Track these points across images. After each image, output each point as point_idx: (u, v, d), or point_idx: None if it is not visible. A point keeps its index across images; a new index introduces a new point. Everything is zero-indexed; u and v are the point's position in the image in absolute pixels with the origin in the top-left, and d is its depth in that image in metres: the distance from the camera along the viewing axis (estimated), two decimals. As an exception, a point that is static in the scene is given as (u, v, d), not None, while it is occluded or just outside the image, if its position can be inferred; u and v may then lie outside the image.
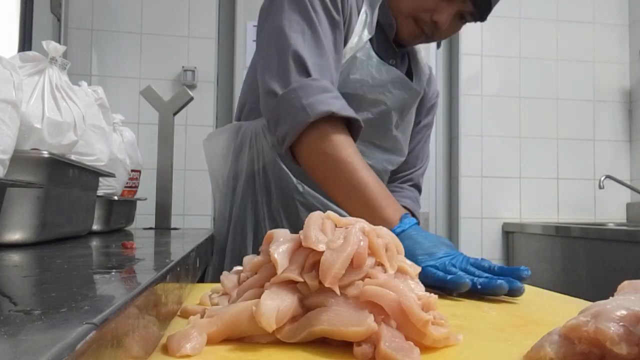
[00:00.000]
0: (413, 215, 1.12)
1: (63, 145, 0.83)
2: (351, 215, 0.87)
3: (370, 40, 1.02)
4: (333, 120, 0.85)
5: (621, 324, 0.34)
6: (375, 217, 0.80)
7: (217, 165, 1.15)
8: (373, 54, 1.01)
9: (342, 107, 0.85)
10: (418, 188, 1.21)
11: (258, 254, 0.52)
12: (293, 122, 0.84)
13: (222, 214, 1.13)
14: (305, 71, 0.87)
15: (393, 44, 1.06)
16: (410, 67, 1.13)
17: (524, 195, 2.50)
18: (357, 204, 0.84)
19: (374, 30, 1.01)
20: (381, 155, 1.08)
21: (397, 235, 0.74)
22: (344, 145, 0.84)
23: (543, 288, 0.80)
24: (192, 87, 2.21)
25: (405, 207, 1.09)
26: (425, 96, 1.18)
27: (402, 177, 1.19)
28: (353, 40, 0.99)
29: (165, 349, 0.40)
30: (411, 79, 1.11)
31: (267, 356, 0.40)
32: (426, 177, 1.28)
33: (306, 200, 1.02)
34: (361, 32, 1.00)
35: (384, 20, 1.03)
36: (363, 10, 1.01)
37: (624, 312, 0.34)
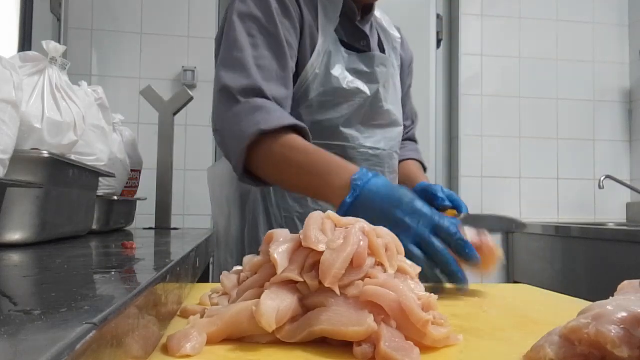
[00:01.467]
0: (421, 164, 1.26)
1: (63, 145, 0.83)
2: (307, 194, 0.92)
3: (338, 30, 1.03)
4: (270, 135, 0.85)
5: (622, 326, 0.34)
6: (323, 184, 0.80)
7: (221, 189, 1.17)
8: (340, 46, 1.02)
9: (271, 122, 0.85)
10: (415, 140, 1.34)
11: (258, 254, 0.52)
12: (234, 152, 0.88)
13: (232, 233, 1.14)
14: (233, 98, 0.89)
15: (358, 24, 1.07)
16: (380, 38, 1.15)
17: (524, 195, 2.50)
18: (305, 180, 0.84)
19: (337, 20, 1.02)
20: (380, 132, 1.08)
21: (351, 205, 0.74)
22: (284, 144, 0.85)
23: (543, 288, 0.80)
24: (192, 87, 2.21)
25: (413, 159, 1.24)
26: (403, 61, 1.22)
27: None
28: (320, 37, 1.00)
29: (165, 349, 0.40)
30: (383, 48, 1.14)
31: (267, 356, 0.40)
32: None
33: (321, 207, 1.02)
34: (325, 26, 1.00)
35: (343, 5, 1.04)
36: (320, 4, 1.01)
37: (624, 314, 0.34)
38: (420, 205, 0.71)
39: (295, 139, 0.86)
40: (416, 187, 0.95)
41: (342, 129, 1.02)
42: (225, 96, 0.91)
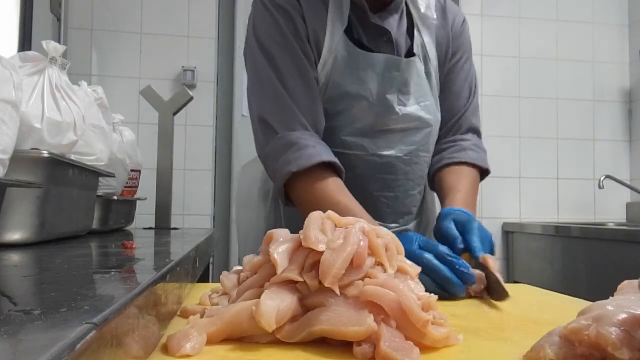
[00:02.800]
0: (480, 168, 1.05)
1: (63, 145, 0.83)
2: None
3: (350, 31, 0.98)
4: (301, 175, 0.90)
5: (622, 328, 0.34)
6: None
7: (251, 186, 1.20)
8: (351, 45, 0.97)
9: (301, 163, 0.90)
10: (475, 131, 1.10)
11: (258, 254, 0.52)
12: (275, 185, 0.97)
13: (253, 229, 1.16)
14: (272, 130, 0.95)
15: (376, 18, 0.99)
16: (415, 23, 1.04)
17: (524, 195, 2.50)
18: None
19: (347, 22, 0.97)
20: (396, 138, 1.00)
21: None
22: (312, 190, 0.91)
23: (543, 288, 0.80)
24: (192, 87, 2.21)
25: (467, 164, 1.04)
26: (440, 42, 1.06)
27: (452, 126, 1.10)
28: (327, 44, 0.96)
29: (165, 349, 0.40)
30: (413, 36, 1.03)
31: (267, 356, 0.40)
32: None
33: None
34: (334, 30, 0.97)
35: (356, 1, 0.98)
36: (331, 6, 0.97)
37: (625, 315, 0.34)
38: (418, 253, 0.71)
39: (324, 185, 0.90)
40: (440, 214, 0.88)
41: (343, 137, 0.99)
42: (262, 127, 0.96)
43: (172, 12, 2.25)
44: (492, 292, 0.69)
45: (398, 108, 1.00)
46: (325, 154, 0.91)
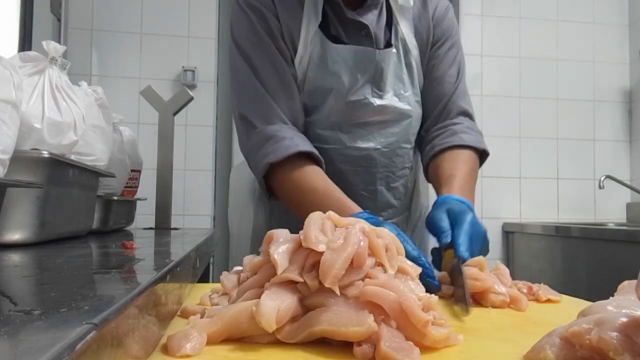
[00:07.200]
0: (477, 150, 1.01)
1: (63, 145, 0.83)
2: None
3: (327, 27, 0.99)
4: (279, 165, 0.92)
5: (624, 333, 0.34)
6: None
7: (243, 187, 1.20)
8: (325, 40, 0.97)
9: (278, 154, 0.91)
10: (465, 114, 1.06)
11: (258, 254, 0.52)
12: (256, 177, 0.98)
13: (244, 229, 1.16)
14: (251, 126, 0.97)
15: (354, 14, 0.99)
16: (394, 16, 1.03)
17: (524, 195, 2.50)
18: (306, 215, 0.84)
19: (320, 17, 0.97)
20: (373, 131, 1.00)
21: None
22: (291, 178, 0.92)
23: (543, 288, 0.80)
24: (192, 87, 2.21)
25: (462, 146, 0.99)
26: (418, 30, 1.05)
27: (440, 112, 1.06)
28: (302, 41, 0.98)
29: (165, 349, 0.40)
30: (391, 27, 1.03)
31: (267, 356, 0.40)
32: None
33: None
34: (308, 26, 0.98)
35: None
36: (306, 3, 0.98)
37: (626, 319, 0.34)
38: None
39: (301, 173, 0.91)
40: (435, 202, 0.86)
41: (319, 131, 1.00)
42: (243, 124, 0.98)
43: (172, 12, 2.25)
44: (458, 300, 0.63)
45: (372, 100, 1.00)
46: (302, 145, 0.93)
